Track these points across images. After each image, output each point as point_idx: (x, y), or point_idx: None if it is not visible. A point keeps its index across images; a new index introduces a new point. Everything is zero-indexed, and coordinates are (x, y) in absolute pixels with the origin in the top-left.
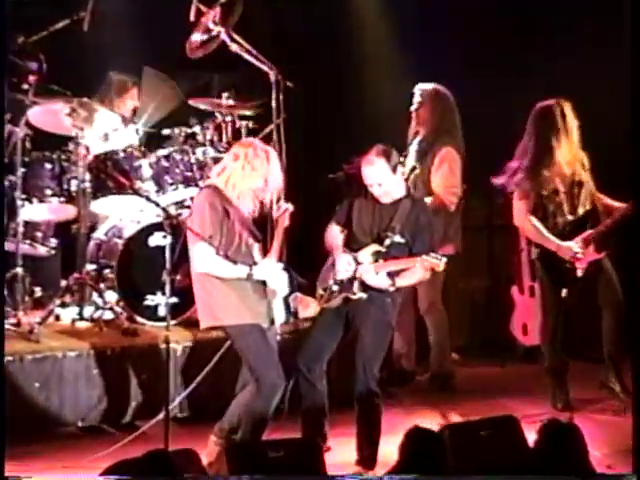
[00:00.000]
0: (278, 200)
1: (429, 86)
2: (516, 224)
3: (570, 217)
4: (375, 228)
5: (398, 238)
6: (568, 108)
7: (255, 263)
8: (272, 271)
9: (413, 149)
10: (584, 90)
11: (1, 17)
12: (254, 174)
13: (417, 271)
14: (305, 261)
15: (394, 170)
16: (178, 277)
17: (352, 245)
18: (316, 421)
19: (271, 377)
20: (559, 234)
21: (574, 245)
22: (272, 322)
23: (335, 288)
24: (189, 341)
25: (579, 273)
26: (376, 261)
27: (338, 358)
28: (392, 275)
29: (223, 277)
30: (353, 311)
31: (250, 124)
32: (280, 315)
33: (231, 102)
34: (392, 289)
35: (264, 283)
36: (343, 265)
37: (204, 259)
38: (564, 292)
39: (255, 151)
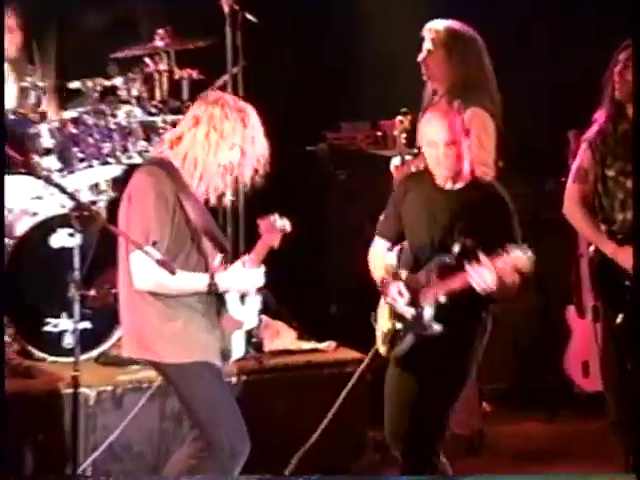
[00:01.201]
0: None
1: (442, 24)
2: (564, 213)
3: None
4: (437, 227)
5: (470, 241)
6: None
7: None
8: (246, 280)
9: None
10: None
11: (1, 17)
12: (224, 144)
13: (485, 278)
14: (277, 273)
15: (465, 140)
16: (92, 293)
17: (414, 254)
18: None
19: (230, 439)
20: (615, 236)
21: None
22: (226, 357)
23: (399, 326)
24: (107, 384)
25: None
26: (442, 279)
27: None
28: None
29: (170, 294)
30: (424, 351)
31: (194, 74)
32: (239, 347)
33: (167, 42)
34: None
35: (222, 301)
36: (394, 294)
37: (147, 272)
38: (619, 318)
39: (224, 110)
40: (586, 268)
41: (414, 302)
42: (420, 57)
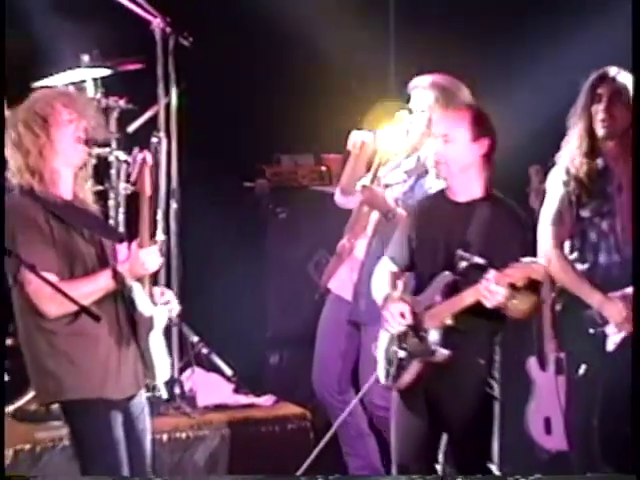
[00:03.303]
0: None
1: (444, 80)
2: (540, 258)
3: (617, 256)
4: (443, 245)
5: (477, 259)
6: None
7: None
8: (145, 260)
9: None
10: None
11: (1, 17)
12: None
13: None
14: (213, 315)
15: (472, 146)
16: (9, 341)
17: (419, 277)
18: None
19: None
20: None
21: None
22: (142, 386)
23: (402, 354)
24: (27, 443)
25: (611, 347)
26: (449, 297)
27: None
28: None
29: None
30: (434, 384)
31: (123, 102)
32: (163, 368)
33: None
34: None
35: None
36: (394, 319)
37: (48, 296)
38: (582, 368)
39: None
40: (549, 315)
41: (418, 326)
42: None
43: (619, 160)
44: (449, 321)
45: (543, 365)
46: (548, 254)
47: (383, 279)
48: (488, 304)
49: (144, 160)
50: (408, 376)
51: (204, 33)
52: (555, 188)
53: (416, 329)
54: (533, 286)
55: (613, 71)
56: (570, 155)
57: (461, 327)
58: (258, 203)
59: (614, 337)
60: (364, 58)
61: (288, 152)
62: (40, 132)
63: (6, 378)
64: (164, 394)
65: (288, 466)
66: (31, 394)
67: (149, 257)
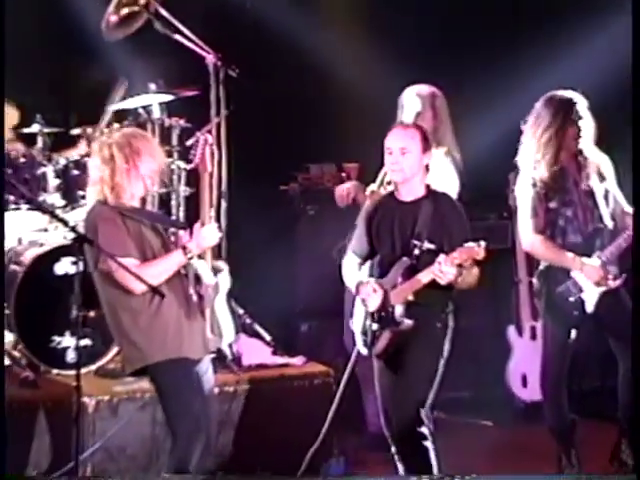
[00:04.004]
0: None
1: (427, 89)
2: (524, 246)
3: (580, 237)
4: (398, 237)
5: (428, 244)
6: (573, 98)
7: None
8: (207, 235)
9: None
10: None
11: (1, 18)
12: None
13: (448, 272)
14: (255, 293)
15: (424, 157)
16: (92, 314)
17: (382, 265)
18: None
19: (192, 430)
20: None
21: (598, 261)
22: (209, 351)
23: (375, 327)
24: (106, 394)
25: (589, 308)
26: (408, 278)
27: None
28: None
29: (156, 283)
30: (400, 347)
31: (182, 122)
32: (226, 330)
33: (158, 93)
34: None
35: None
36: (370, 297)
37: (133, 278)
38: (573, 334)
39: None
40: (525, 292)
41: (385, 303)
42: (410, 118)
43: (571, 161)
44: (410, 297)
45: (520, 332)
46: (531, 240)
47: (351, 270)
48: (442, 282)
49: (206, 140)
50: (381, 344)
51: (248, 66)
52: (526, 190)
53: (384, 306)
54: (476, 264)
55: (577, 96)
56: (533, 162)
57: (420, 301)
58: (291, 202)
59: (591, 300)
60: (377, 87)
61: (316, 162)
62: (129, 159)
63: (89, 342)
64: (228, 354)
65: (315, 413)
66: (110, 355)
67: (210, 232)
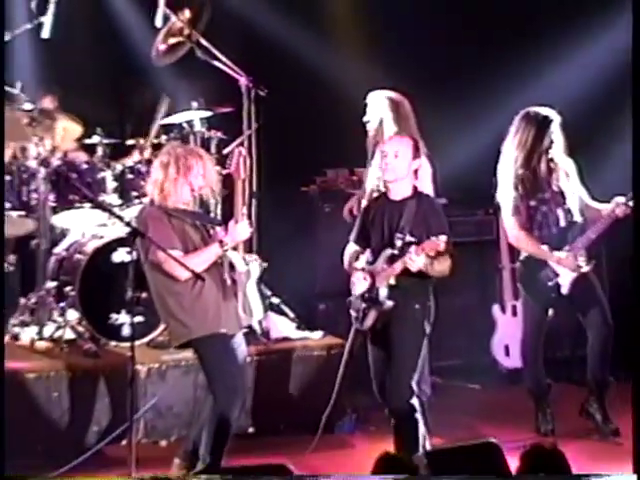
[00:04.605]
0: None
1: (390, 94)
2: (510, 239)
3: (555, 229)
4: (387, 230)
5: (409, 237)
6: (547, 115)
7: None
8: (239, 231)
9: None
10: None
11: (1, 18)
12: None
13: (417, 261)
14: (281, 278)
15: (413, 162)
16: (144, 295)
17: (373, 253)
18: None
19: (229, 393)
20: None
21: (571, 252)
22: (242, 327)
23: (363, 306)
24: (156, 363)
25: (564, 290)
26: (390, 266)
27: None
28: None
29: (191, 278)
30: (386, 324)
31: (219, 134)
32: (255, 310)
33: (198, 110)
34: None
35: (230, 276)
36: (359, 281)
37: (178, 266)
38: (550, 312)
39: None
40: (507, 276)
41: (372, 286)
42: (373, 118)
43: (544, 166)
44: (392, 281)
45: (503, 310)
46: (516, 235)
47: (350, 256)
48: (412, 269)
49: (240, 152)
50: (369, 321)
51: (275, 86)
52: (508, 191)
53: (371, 289)
54: (446, 254)
55: (551, 112)
56: (513, 167)
57: (401, 285)
58: (311, 201)
59: (565, 284)
60: None
61: (331, 167)
62: (180, 171)
63: (142, 319)
64: (257, 329)
65: (332, 379)
66: (158, 330)
67: (243, 228)
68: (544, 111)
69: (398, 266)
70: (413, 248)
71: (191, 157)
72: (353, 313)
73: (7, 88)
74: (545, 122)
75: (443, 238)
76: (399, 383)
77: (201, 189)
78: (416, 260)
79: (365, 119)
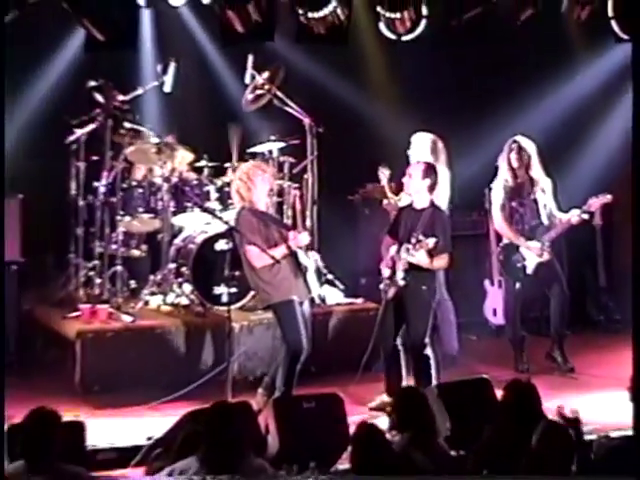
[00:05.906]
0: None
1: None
2: (496, 227)
3: (528, 226)
4: (408, 230)
5: (421, 237)
6: (526, 144)
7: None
8: (300, 239)
9: None
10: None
11: (1, 18)
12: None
13: (417, 255)
14: (333, 261)
15: (423, 181)
16: (237, 273)
17: (399, 246)
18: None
19: (297, 342)
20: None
21: (539, 244)
22: (307, 297)
23: (387, 282)
24: (245, 321)
25: (529, 271)
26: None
27: None
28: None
29: (272, 262)
30: (402, 298)
31: (290, 159)
32: (315, 285)
33: (276, 142)
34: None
35: (298, 261)
36: (385, 265)
37: (255, 256)
38: (518, 285)
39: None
40: (495, 259)
41: (394, 270)
42: (416, 153)
43: (525, 180)
44: (406, 266)
45: (492, 283)
46: (500, 225)
47: (385, 244)
48: (413, 261)
49: (295, 195)
50: (390, 294)
51: (330, 125)
52: (499, 194)
53: (393, 271)
54: (444, 252)
55: (529, 141)
56: (503, 180)
57: (412, 271)
58: (355, 207)
59: (530, 265)
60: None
61: (370, 182)
62: (255, 182)
63: (236, 290)
64: (317, 298)
65: (370, 331)
66: (248, 298)
67: (303, 237)
68: (525, 140)
69: (408, 258)
70: (411, 245)
71: (252, 173)
72: (382, 287)
73: (141, 127)
74: (525, 148)
75: (432, 240)
76: (414, 340)
77: (270, 192)
78: (416, 254)
79: (409, 152)
